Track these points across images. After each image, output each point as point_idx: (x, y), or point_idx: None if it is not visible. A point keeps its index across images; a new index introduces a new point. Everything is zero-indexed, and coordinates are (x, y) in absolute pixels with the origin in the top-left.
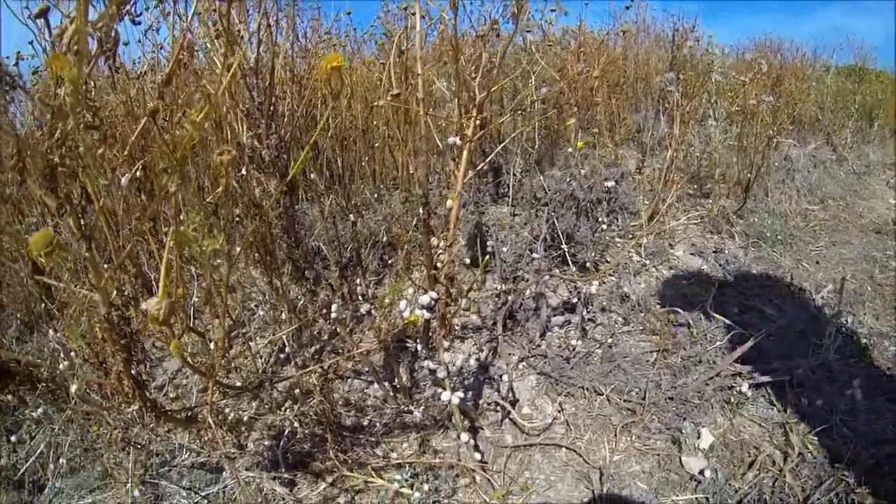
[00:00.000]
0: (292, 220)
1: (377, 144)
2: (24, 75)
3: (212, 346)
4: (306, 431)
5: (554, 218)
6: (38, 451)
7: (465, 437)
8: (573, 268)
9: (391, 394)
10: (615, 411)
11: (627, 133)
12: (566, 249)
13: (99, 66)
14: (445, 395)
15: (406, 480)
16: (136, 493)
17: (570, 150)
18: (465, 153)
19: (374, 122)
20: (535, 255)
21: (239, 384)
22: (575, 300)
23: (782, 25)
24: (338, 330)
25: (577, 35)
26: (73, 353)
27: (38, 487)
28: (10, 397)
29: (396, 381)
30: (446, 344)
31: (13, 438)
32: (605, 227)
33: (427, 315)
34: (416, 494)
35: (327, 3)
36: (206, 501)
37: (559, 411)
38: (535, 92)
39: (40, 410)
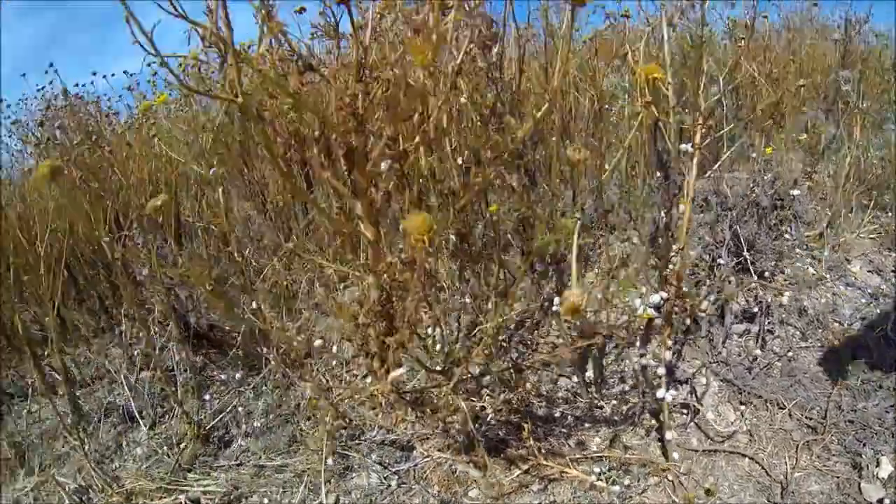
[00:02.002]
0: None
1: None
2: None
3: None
4: (501, 419)
5: (736, 224)
6: (229, 410)
7: (669, 434)
8: (754, 276)
9: (584, 387)
10: (796, 427)
11: (798, 136)
12: (748, 257)
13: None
14: (660, 393)
15: (603, 473)
16: (330, 461)
17: (753, 155)
18: (695, 159)
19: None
20: (720, 261)
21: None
22: (755, 309)
23: None
24: (554, 322)
25: (747, 29)
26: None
27: (223, 444)
28: (198, 358)
29: (588, 374)
30: (669, 343)
31: (206, 396)
32: (786, 236)
33: (654, 313)
34: (616, 488)
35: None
36: (396, 477)
37: (741, 420)
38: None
39: (238, 375)
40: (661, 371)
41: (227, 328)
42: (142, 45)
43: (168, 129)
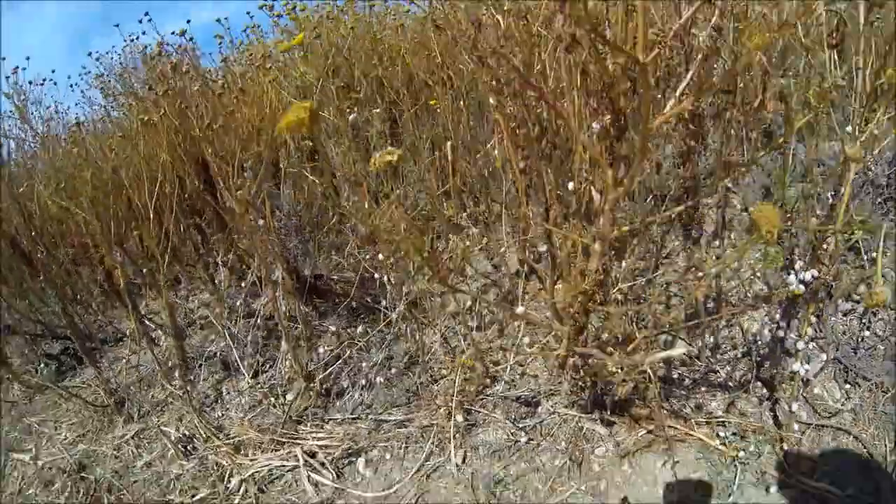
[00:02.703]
0: None
1: None
2: None
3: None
4: (625, 379)
5: (851, 202)
6: (341, 361)
7: (795, 406)
8: (863, 255)
9: (702, 351)
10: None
11: None
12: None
13: None
14: (796, 366)
15: (727, 438)
16: (460, 417)
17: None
18: (859, 142)
19: None
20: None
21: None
22: (861, 289)
23: None
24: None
25: None
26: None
27: (336, 395)
28: (305, 308)
29: (705, 339)
30: (813, 320)
31: (321, 350)
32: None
33: (802, 289)
34: (741, 454)
35: None
36: (522, 433)
37: (846, 398)
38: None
39: (360, 329)
40: (801, 346)
41: (336, 278)
42: None
43: (301, 73)
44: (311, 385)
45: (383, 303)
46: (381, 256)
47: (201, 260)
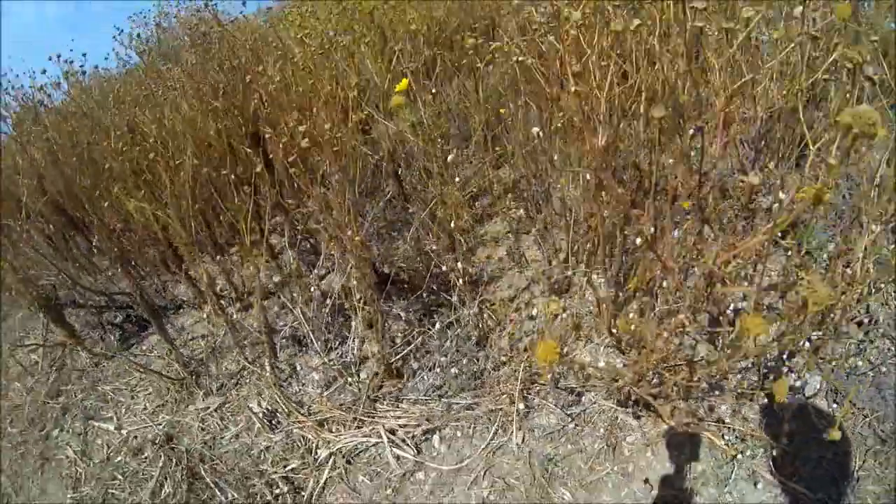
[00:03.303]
0: None
1: None
2: None
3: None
4: (651, 378)
5: None
6: (413, 346)
7: (786, 426)
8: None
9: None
10: (870, 434)
11: None
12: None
13: None
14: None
15: (731, 441)
16: (522, 405)
17: None
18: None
19: None
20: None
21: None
22: (865, 319)
23: None
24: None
25: None
26: None
27: (408, 378)
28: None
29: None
30: (819, 361)
31: (397, 340)
32: None
33: (808, 345)
34: (739, 456)
35: None
36: (569, 418)
37: (831, 417)
38: None
39: (437, 327)
40: (798, 383)
41: (403, 266)
42: None
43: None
44: (389, 367)
45: (454, 297)
46: (459, 265)
47: (261, 233)
